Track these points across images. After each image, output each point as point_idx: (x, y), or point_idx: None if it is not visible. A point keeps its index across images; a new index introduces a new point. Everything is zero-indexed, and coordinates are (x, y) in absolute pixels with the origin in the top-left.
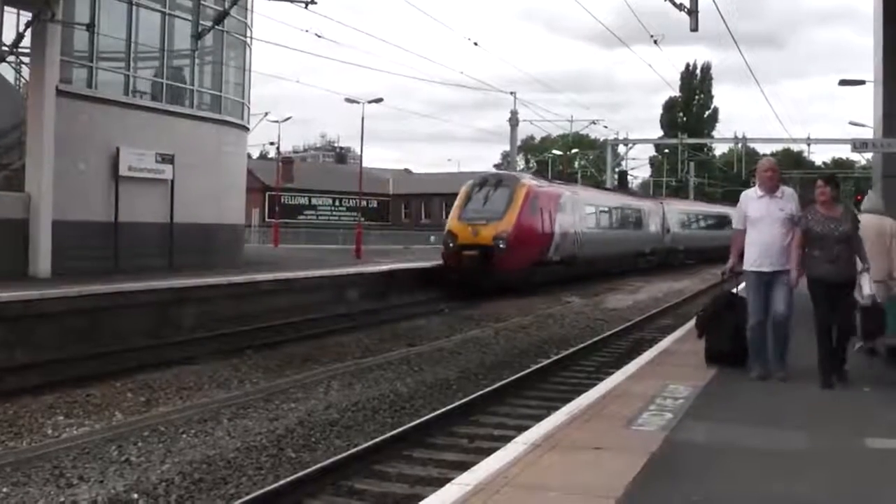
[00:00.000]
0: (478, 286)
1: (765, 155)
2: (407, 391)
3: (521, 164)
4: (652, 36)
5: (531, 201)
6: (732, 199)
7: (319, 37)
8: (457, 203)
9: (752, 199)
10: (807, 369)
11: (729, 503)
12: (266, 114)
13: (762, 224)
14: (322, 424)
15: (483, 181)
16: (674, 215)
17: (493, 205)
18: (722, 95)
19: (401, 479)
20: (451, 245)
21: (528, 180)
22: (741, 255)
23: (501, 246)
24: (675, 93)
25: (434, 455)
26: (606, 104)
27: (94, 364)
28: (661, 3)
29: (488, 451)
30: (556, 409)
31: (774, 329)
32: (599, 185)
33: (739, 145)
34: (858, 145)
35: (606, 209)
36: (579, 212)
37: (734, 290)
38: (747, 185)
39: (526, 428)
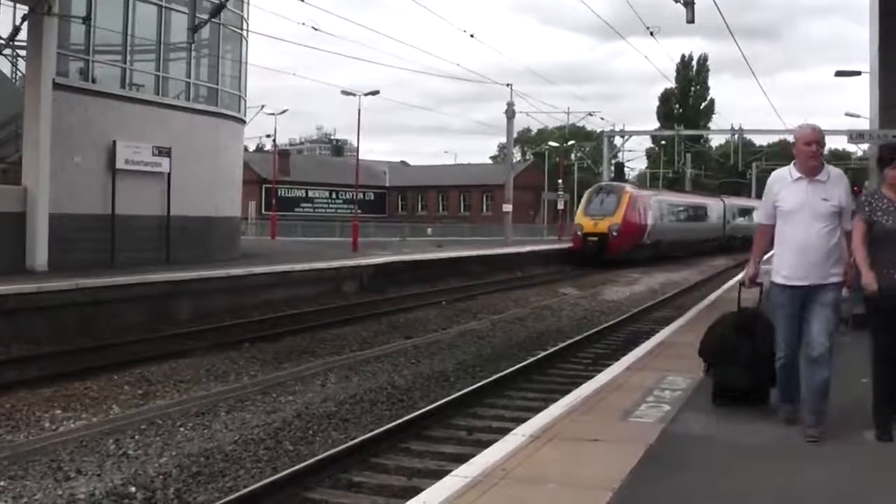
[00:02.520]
0: (597, 261)
1: (762, 147)
2: (404, 383)
3: (517, 156)
4: (648, 27)
5: (632, 202)
6: (729, 192)
7: (316, 29)
8: (581, 204)
9: (786, 184)
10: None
11: (726, 496)
12: (262, 106)
13: (798, 218)
14: (320, 417)
15: (599, 189)
16: (732, 209)
17: (607, 205)
18: (718, 87)
19: (399, 471)
20: (578, 233)
21: (630, 188)
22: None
23: (614, 234)
24: (672, 84)
25: (432, 447)
26: (603, 96)
27: (92, 357)
28: None
29: (486, 444)
30: (554, 401)
31: (809, 370)
32: (676, 187)
33: (735, 137)
34: (855, 136)
35: (682, 206)
36: (664, 209)
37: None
38: (743, 176)
39: (524, 420)
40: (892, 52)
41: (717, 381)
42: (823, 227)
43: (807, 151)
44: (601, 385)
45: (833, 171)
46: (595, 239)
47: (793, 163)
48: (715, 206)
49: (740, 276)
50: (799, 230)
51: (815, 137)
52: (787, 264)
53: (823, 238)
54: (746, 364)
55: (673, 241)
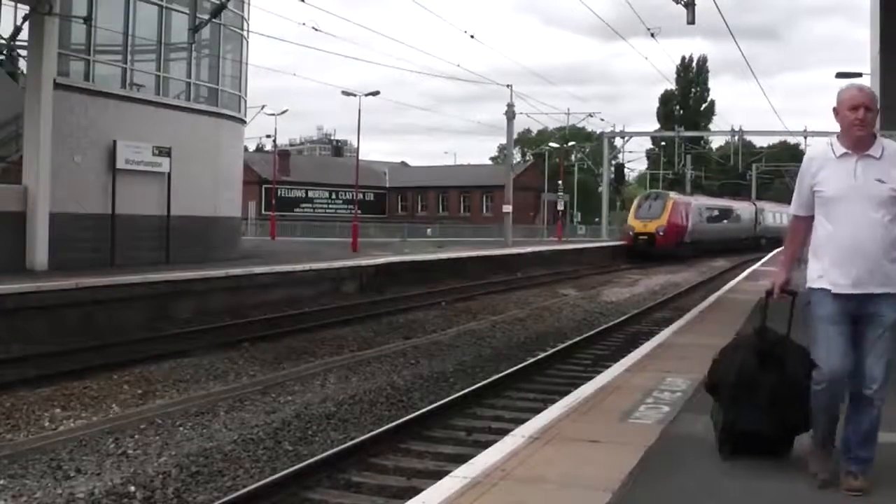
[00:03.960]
0: (646, 256)
1: (762, 148)
2: (404, 384)
3: (517, 157)
4: (649, 29)
5: (675, 207)
6: (730, 193)
7: (316, 30)
8: (633, 208)
9: (827, 162)
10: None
11: (726, 497)
12: (263, 107)
13: (847, 206)
14: (319, 417)
15: (647, 196)
16: (763, 212)
17: (654, 210)
18: (718, 88)
19: (398, 471)
20: (630, 233)
21: (674, 195)
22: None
23: (660, 233)
24: (672, 86)
25: (431, 448)
26: (603, 97)
27: (91, 356)
28: None
29: (486, 444)
30: (554, 402)
31: (856, 407)
32: (713, 194)
33: (736, 138)
34: None
35: (718, 210)
36: (702, 212)
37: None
38: (743, 177)
39: (523, 421)
40: (893, 54)
41: (728, 425)
42: (880, 218)
43: (852, 118)
44: (601, 386)
45: (890, 146)
46: (645, 238)
47: (836, 135)
48: (747, 209)
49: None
50: (848, 222)
51: (864, 100)
52: (833, 267)
53: (880, 231)
54: (770, 404)
55: (710, 240)
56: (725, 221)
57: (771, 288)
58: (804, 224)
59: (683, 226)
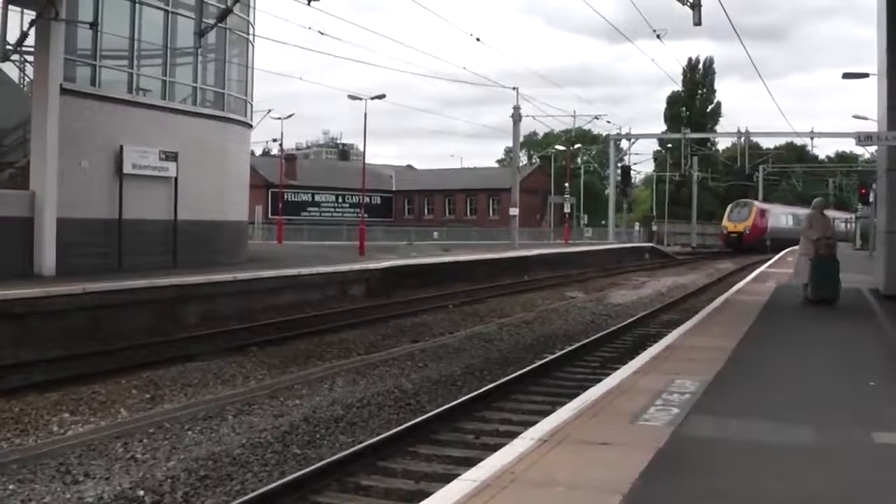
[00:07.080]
0: (736, 249)
1: (769, 150)
2: (412, 387)
3: (523, 159)
4: (655, 30)
5: (758, 212)
6: (737, 195)
7: (322, 34)
8: (726, 213)
9: None
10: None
11: (735, 499)
12: (269, 111)
13: None
14: (327, 421)
15: (737, 204)
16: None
17: (742, 214)
18: (725, 90)
19: (406, 475)
20: (724, 232)
21: (757, 203)
22: None
23: (747, 232)
24: (678, 87)
25: (439, 451)
26: (609, 99)
27: (99, 361)
28: None
29: (494, 447)
30: (562, 404)
31: None
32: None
33: (742, 140)
34: (863, 139)
35: (790, 215)
36: (777, 217)
37: None
38: (750, 179)
39: (532, 424)
40: None
41: None
42: None
43: None
44: (609, 388)
45: None
46: (735, 235)
47: None
48: None
49: None
50: None
51: None
52: None
53: None
54: None
55: (783, 238)
56: (796, 223)
57: None
58: None
59: (764, 227)
